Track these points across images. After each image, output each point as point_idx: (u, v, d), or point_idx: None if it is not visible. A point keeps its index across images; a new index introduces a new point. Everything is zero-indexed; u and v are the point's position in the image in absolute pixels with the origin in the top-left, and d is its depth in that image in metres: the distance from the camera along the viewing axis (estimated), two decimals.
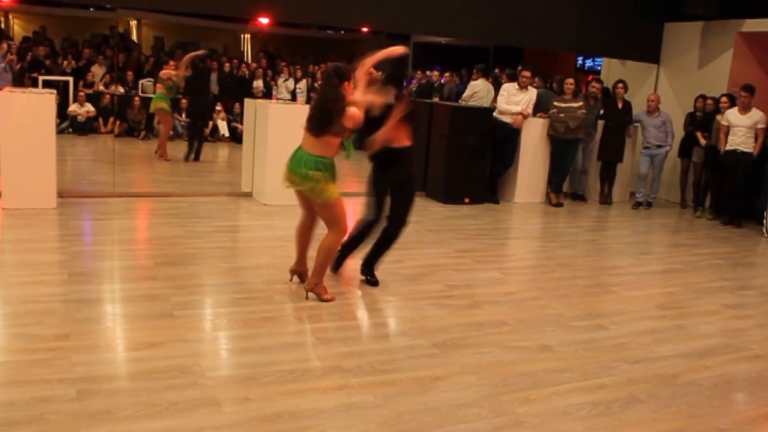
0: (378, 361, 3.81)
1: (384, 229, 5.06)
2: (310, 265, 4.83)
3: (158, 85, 10.83)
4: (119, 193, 7.63)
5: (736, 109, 8.73)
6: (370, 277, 5.17)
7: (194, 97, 11.07)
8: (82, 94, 12.74)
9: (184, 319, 4.16)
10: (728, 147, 8.70)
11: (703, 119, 9.43)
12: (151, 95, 13.38)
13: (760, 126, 8.51)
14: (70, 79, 12.99)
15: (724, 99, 9.09)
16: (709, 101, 9.44)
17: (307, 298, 4.70)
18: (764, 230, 8.43)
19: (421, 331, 4.30)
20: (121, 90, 13.55)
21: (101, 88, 13.42)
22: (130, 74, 13.89)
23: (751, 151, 8.56)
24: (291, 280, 5.03)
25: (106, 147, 11.41)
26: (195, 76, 11.01)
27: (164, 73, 10.97)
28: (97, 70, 13.85)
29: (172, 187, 8.48)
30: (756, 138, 8.55)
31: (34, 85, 11.49)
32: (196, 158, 10.75)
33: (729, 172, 8.73)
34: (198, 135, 11.12)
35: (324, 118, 4.47)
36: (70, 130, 12.50)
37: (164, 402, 3.12)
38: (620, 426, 3.30)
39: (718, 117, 9.04)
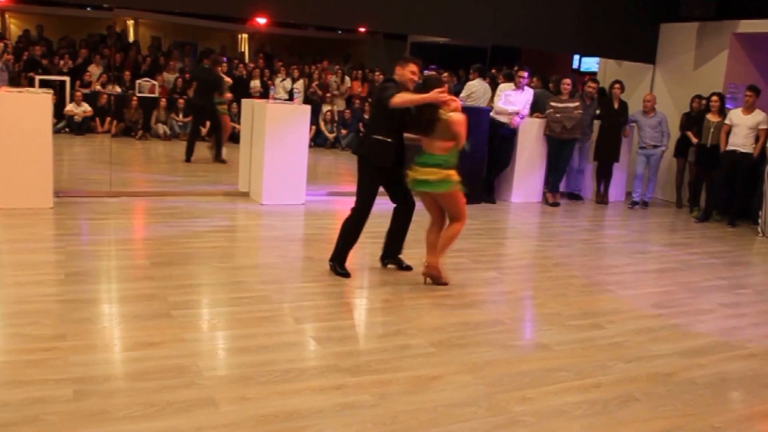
0: (375, 360, 3.80)
1: (401, 212, 5.40)
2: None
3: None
4: (116, 192, 7.62)
5: (739, 109, 8.73)
6: (405, 264, 5.53)
7: (204, 97, 10.93)
8: (79, 93, 12.70)
9: (182, 319, 4.15)
10: (727, 147, 8.70)
11: (693, 118, 9.45)
12: (148, 95, 13.39)
13: (762, 127, 8.49)
14: (67, 78, 12.96)
15: (714, 98, 9.09)
16: (704, 101, 9.45)
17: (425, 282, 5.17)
18: (759, 229, 8.45)
19: (418, 331, 4.29)
20: (118, 90, 13.53)
21: (98, 87, 13.40)
22: (127, 74, 13.87)
23: (751, 152, 8.55)
24: (425, 282, 5.19)
25: (102, 147, 11.39)
26: (202, 76, 10.94)
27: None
28: (94, 70, 13.83)
29: (168, 187, 8.46)
30: (756, 139, 8.54)
31: (31, 84, 11.47)
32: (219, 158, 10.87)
33: (725, 172, 8.73)
34: (217, 133, 11.08)
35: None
36: (67, 129, 12.48)
37: (161, 402, 3.12)
38: (616, 425, 3.30)
39: (708, 116, 9.07)
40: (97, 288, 4.69)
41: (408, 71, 5.09)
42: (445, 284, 5.17)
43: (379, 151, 5.11)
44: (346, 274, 5.22)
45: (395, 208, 5.41)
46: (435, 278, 5.16)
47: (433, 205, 5.18)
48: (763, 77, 9.93)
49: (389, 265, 5.53)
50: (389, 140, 5.08)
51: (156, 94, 13.56)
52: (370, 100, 13.00)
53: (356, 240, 5.29)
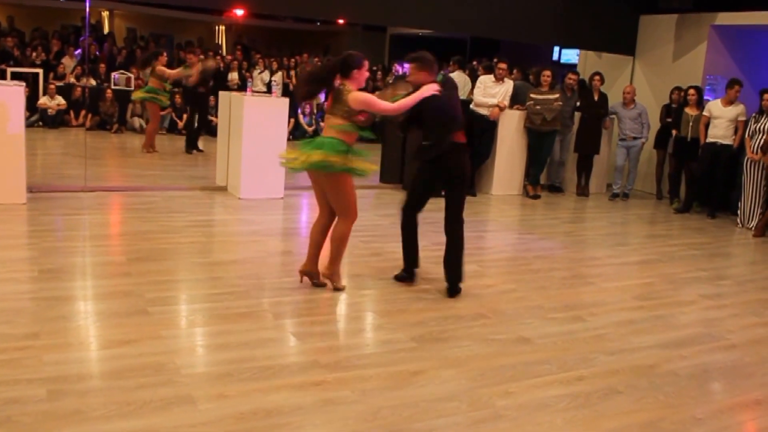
0: (355, 356, 3.78)
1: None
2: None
3: (153, 79, 10.61)
4: (91, 187, 7.52)
5: (719, 101, 8.79)
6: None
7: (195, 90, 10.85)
8: (52, 86, 12.52)
9: (159, 316, 4.10)
10: (707, 139, 8.76)
11: (674, 110, 9.51)
12: (124, 87, 13.21)
13: (741, 118, 8.56)
14: (40, 71, 12.76)
15: (691, 92, 9.13)
16: (683, 93, 9.51)
17: (323, 286, 4.82)
18: (738, 220, 8.53)
19: (399, 325, 4.28)
20: (93, 82, 13.35)
21: (72, 80, 13.21)
22: (102, 66, 13.69)
23: (731, 143, 8.62)
24: (301, 281, 4.87)
25: (77, 140, 11.23)
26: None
27: (174, 73, 10.69)
28: (68, 62, 13.63)
29: (145, 182, 8.38)
30: (736, 130, 8.62)
31: (2, 77, 11.28)
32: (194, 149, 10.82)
33: (705, 163, 8.79)
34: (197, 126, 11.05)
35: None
36: (40, 123, 12.31)
37: (138, 401, 3.07)
38: (599, 417, 3.31)
39: (687, 110, 9.12)
40: (72, 285, 4.62)
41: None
42: (342, 289, 4.83)
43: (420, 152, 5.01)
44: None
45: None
46: (335, 282, 4.81)
47: (321, 195, 4.73)
48: (740, 69, 10.01)
49: None
50: (427, 143, 4.91)
51: (132, 87, 13.38)
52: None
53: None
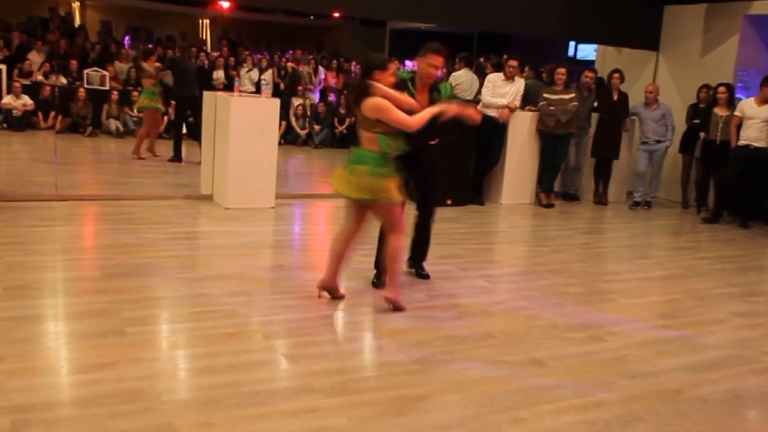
0: (352, 379, 3.79)
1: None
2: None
3: (146, 81, 10.66)
4: (62, 196, 7.54)
5: (752, 99, 8.77)
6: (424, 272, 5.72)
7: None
8: (17, 84, 12.54)
9: (137, 337, 4.11)
10: (739, 142, 8.75)
11: (701, 111, 9.51)
12: (98, 87, 13.25)
13: None
14: (3, 67, 12.76)
15: (721, 89, 9.13)
16: (712, 92, 9.48)
17: (342, 298, 5.02)
18: None
19: (400, 346, 4.29)
20: (64, 81, 13.38)
21: (40, 78, 13.23)
22: (73, 63, 13.72)
23: (766, 146, 8.58)
24: (320, 296, 5.01)
25: (46, 145, 11.27)
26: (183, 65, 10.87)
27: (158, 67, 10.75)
28: (35, 58, 13.63)
29: (122, 190, 8.40)
30: None
31: None
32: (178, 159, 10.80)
33: (737, 168, 8.77)
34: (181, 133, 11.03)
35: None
36: (5, 125, 12.34)
37: (113, 430, 3.08)
38: None
39: (716, 110, 9.13)
40: (41, 303, 4.62)
41: (426, 63, 5.10)
42: (342, 297, 5.03)
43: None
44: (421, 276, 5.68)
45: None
46: (398, 304, 4.91)
47: (355, 205, 4.88)
48: None
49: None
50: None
51: (107, 86, 13.43)
52: (346, 92, 13.00)
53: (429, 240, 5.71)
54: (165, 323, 4.47)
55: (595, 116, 9.84)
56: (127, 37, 16.68)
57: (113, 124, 13.06)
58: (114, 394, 3.39)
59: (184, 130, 10.88)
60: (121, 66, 14.19)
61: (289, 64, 15.18)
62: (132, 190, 8.47)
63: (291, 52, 16.36)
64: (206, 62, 14.50)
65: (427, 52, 5.11)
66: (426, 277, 5.67)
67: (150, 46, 13.64)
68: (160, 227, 6.77)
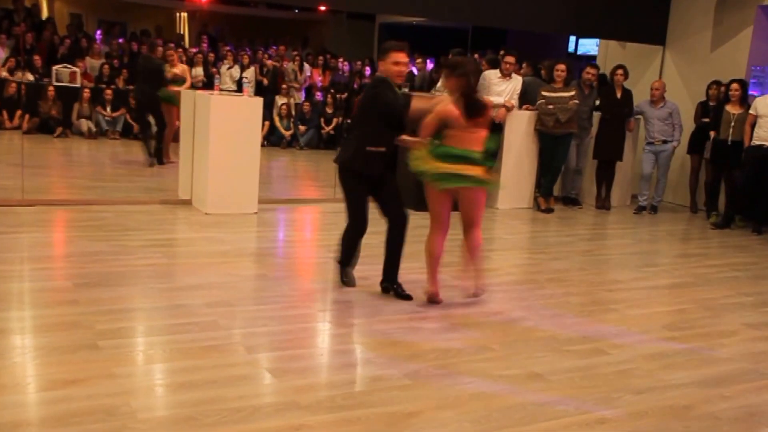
0: (340, 395, 3.80)
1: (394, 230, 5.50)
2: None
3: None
4: (30, 201, 7.52)
5: (767, 96, 8.77)
6: (405, 293, 5.46)
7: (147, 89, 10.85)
8: None
9: (111, 351, 4.10)
10: (753, 142, 8.76)
11: (710, 109, 9.53)
12: (68, 84, 13.21)
13: None
14: None
15: (734, 86, 9.14)
16: (723, 89, 9.49)
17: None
18: None
19: (391, 360, 4.30)
20: (31, 77, 13.34)
21: (5, 74, 13.19)
22: (37, 58, 13.66)
23: None
24: (440, 301, 5.35)
25: (12, 146, 11.24)
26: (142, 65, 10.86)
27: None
28: None
29: (94, 194, 8.38)
30: None
31: None
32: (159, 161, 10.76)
33: (750, 170, 8.78)
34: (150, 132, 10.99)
35: None
36: None
37: None
38: None
39: (728, 107, 9.16)
40: (7, 316, 4.61)
41: (390, 63, 5.15)
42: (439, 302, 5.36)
43: (368, 161, 5.20)
44: (348, 283, 5.57)
45: (388, 227, 5.46)
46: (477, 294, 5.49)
47: (449, 208, 5.40)
48: None
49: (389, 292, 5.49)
50: (383, 150, 5.21)
51: (78, 84, 13.39)
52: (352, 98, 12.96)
53: (357, 254, 5.60)
54: (140, 336, 4.46)
55: (597, 115, 9.86)
56: (98, 32, 16.64)
57: (85, 125, 13.02)
58: (86, 412, 3.38)
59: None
60: (93, 62, 14.16)
61: (269, 62, 15.18)
62: (105, 194, 8.45)
63: (274, 48, 16.37)
64: (184, 58, 14.46)
65: (387, 52, 5.15)
66: (408, 297, 5.38)
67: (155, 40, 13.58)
68: (136, 234, 6.77)
